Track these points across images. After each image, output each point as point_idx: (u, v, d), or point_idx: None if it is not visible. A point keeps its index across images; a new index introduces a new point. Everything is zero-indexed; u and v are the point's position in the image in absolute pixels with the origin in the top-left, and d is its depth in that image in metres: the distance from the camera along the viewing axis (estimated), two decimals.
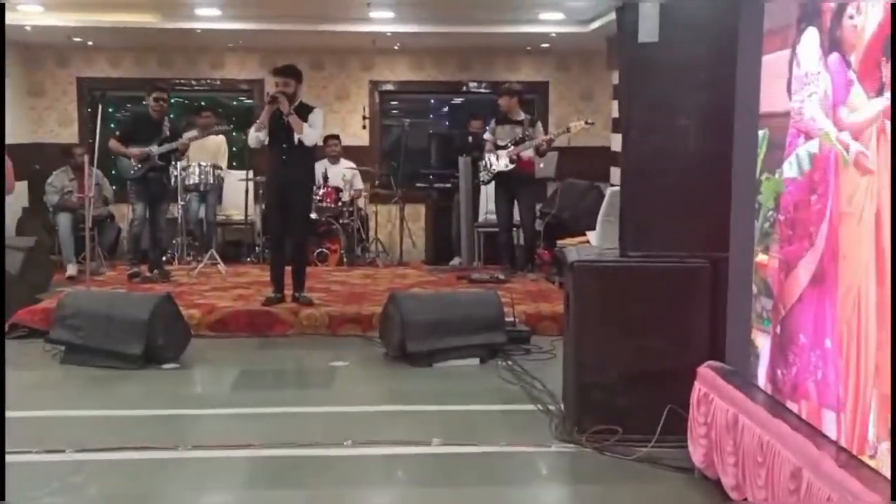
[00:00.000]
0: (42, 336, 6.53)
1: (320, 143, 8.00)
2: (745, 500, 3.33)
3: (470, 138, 9.92)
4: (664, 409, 4.16)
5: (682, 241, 4.38)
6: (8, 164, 3.18)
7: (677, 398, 4.06)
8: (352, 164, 10.52)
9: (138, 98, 10.12)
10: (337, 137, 10.47)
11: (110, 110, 11.21)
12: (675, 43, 4.31)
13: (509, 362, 6.17)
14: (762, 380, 3.51)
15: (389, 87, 11.88)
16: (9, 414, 5.12)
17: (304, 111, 7.35)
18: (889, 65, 2.50)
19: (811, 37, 3.09)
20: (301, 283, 7.47)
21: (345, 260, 9.92)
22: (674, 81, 4.36)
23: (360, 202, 10.55)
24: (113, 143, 8.56)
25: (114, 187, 10.08)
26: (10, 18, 9.24)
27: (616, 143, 10.13)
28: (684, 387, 3.99)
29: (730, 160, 3.92)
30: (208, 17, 9.47)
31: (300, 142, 7.25)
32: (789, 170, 3.26)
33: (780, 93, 3.35)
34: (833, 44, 2.91)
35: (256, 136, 7.33)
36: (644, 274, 4.42)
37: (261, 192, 10.14)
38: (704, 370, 3.91)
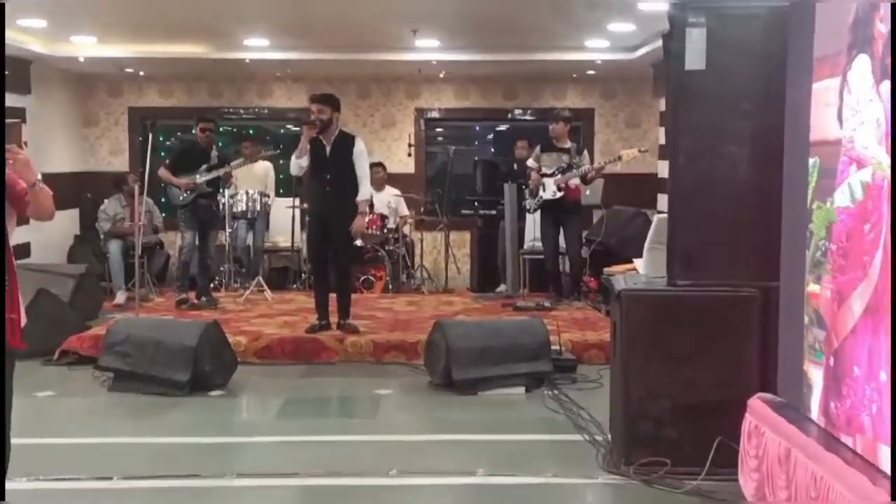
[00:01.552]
0: (91, 363, 6.61)
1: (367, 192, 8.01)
2: None
3: (515, 165, 9.91)
4: (714, 441, 4.08)
5: (731, 270, 4.32)
6: (46, 190, 3.24)
7: (727, 430, 3.99)
8: (396, 191, 10.57)
9: (188, 127, 10.28)
10: (381, 165, 10.52)
11: (161, 139, 11.39)
12: (723, 70, 4.28)
13: (555, 391, 6.11)
14: (815, 412, 3.43)
15: (435, 114, 11.94)
16: (58, 440, 5.21)
17: (344, 140, 7.41)
18: None
19: (862, 64, 3.04)
20: (346, 310, 7.49)
21: (390, 287, 9.94)
22: (721, 108, 4.31)
23: (406, 229, 10.58)
24: (162, 172, 8.69)
25: (163, 215, 10.24)
26: (65, 50, 9.49)
27: (663, 169, 10.06)
28: (734, 419, 3.92)
29: (779, 188, 3.86)
30: (257, 48, 9.60)
31: (343, 170, 7.30)
32: (841, 198, 3.20)
33: (831, 120, 3.29)
34: (885, 71, 2.86)
35: (298, 163, 7.37)
36: (693, 303, 4.36)
37: (307, 219, 10.23)
38: (755, 402, 3.83)
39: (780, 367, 3.89)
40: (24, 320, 3.25)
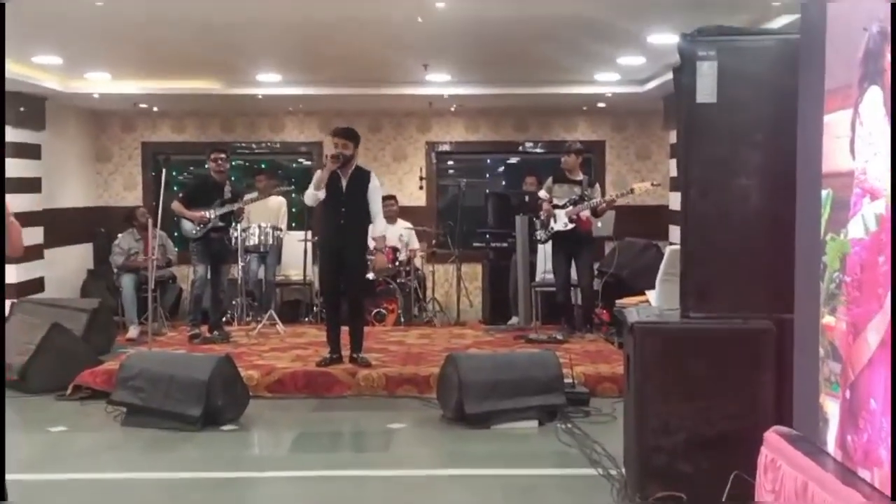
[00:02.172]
0: (104, 397, 6.61)
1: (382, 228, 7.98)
2: None
3: (527, 197, 9.92)
4: (730, 475, 4.04)
5: (745, 302, 4.29)
6: (16, 225, 3.24)
7: (743, 464, 3.94)
8: (408, 224, 10.59)
9: (201, 162, 10.35)
10: (393, 198, 10.55)
11: (173, 174, 11.46)
12: (734, 102, 4.28)
13: (568, 425, 6.08)
14: (832, 446, 3.40)
15: (446, 147, 11.99)
16: (71, 476, 5.20)
17: (360, 175, 7.48)
18: None
19: (874, 96, 3.04)
20: (359, 344, 7.49)
21: (402, 320, 9.93)
22: (733, 141, 4.31)
23: (417, 262, 10.59)
24: (175, 205, 8.72)
25: (176, 249, 10.29)
26: (79, 87, 9.59)
27: (674, 201, 10.06)
28: (750, 452, 3.88)
29: (792, 220, 3.85)
30: (269, 83, 9.68)
31: (357, 205, 7.38)
32: (855, 230, 3.19)
33: (843, 152, 3.29)
34: None
35: (315, 194, 7.39)
36: (706, 335, 4.33)
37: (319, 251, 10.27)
38: (771, 435, 3.80)
39: (795, 400, 3.85)
40: None
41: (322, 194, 7.36)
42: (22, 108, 9.49)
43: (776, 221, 4.06)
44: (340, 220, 7.39)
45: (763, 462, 3.80)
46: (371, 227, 7.57)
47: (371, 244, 7.81)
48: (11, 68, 8.34)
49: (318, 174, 7.52)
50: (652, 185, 8.76)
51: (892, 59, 2.46)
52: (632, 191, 8.74)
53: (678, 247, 5.43)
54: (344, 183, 7.40)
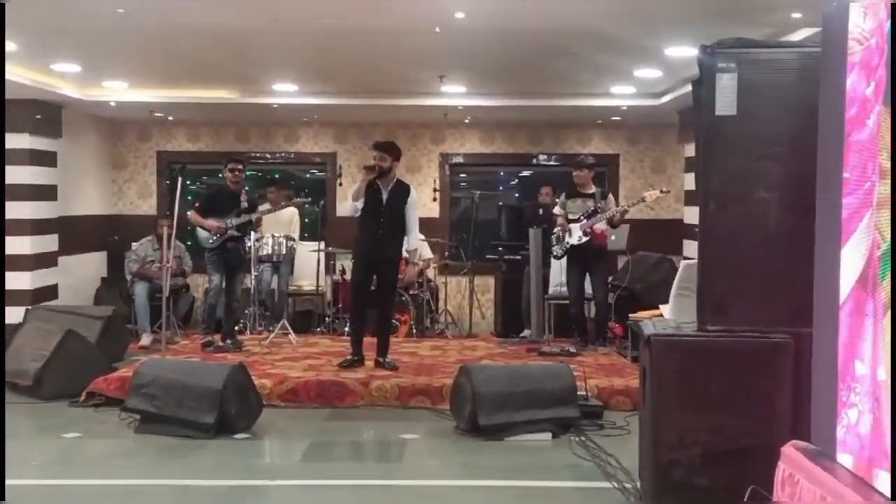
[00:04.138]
0: (117, 404, 6.62)
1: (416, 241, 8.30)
2: None
3: (540, 210, 9.91)
4: (746, 488, 4.01)
5: (763, 316, 4.27)
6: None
7: (760, 478, 3.91)
8: (420, 236, 10.58)
9: (215, 171, 10.39)
10: None
11: (187, 183, 11.51)
12: (753, 115, 4.27)
13: (582, 438, 6.06)
14: (850, 461, 3.37)
15: (459, 159, 12.00)
16: (85, 482, 5.20)
17: (400, 188, 7.79)
18: None
19: None
20: (385, 349, 7.79)
21: (414, 331, 9.92)
22: (752, 153, 4.30)
23: (430, 273, 10.59)
24: (191, 214, 8.74)
25: (191, 261, 10.33)
26: (96, 95, 9.63)
27: (688, 215, 10.04)
28: (767, 466, 3.85)
29: (811, 233, 3.83)
30: (285, 93, 9.71)
31: (396, 217, 7.65)
32: None
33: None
34: None
35: (354, 205, 7.65)
36: (724, 349, 4.32)
37: (332, 262, 10.30)
38: (789, 449, 3.77)
39: (813, 415, 3.83)
40: None
41: (361, 205, 7.61)
42: (39, 116, 9.55)
43: (795, 234, 4.04)
44: (379, 231, 7.66)
45: (780, 476, 3.77)
46: (406, 239, 7.79)
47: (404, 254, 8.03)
48: (30, 75, 8.40)
49: (355, 186, 7.82)
50: (661, 192, 8.76)
51: (892, 59, 2.44)
52: (643, 199, 8.76)
53: (693, 261, 5.42)
54: (384, 196, 7.68)
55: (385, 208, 7.66)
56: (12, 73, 8.06)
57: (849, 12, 3.30)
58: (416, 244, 7.92)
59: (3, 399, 3.61)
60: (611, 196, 9.08)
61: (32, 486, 5.10)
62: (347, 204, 7.79)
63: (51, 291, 9.93)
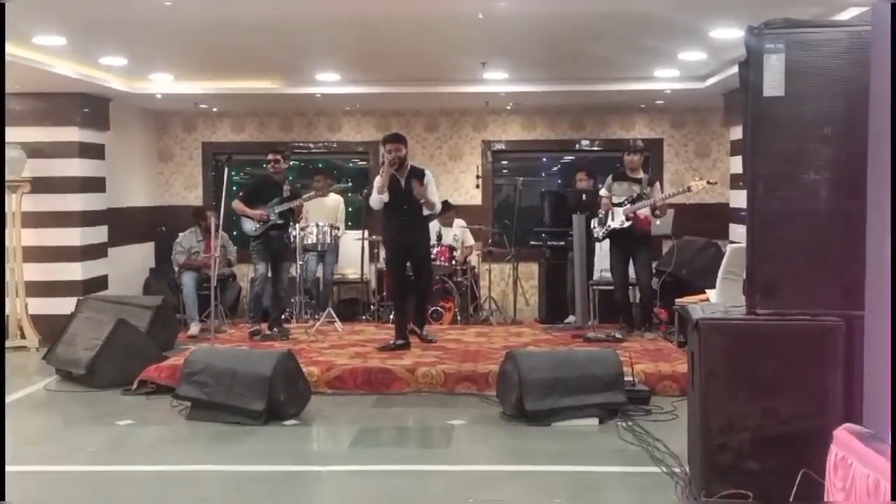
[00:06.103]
0: (168, 392, 6.74)
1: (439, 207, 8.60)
2: None
3: (584, 196, 9.87)
4: (797, 472, 3.98)
5: (813, 299, 4.22)
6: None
7: (811, 462, 3.89)
8: (462, 223, 10.62)
9: (259, 162, 10.48)
10: (450, 208, 10.51)
11: (232, 174, 11.62)
12: (802, 95, 4.21)
13: (629, 423, 6.05)
14: None
15: (501, 146, 11.98)
16: (139, 468, 5.31)
17: (415, 173, 8.12)
18: None
19: None
20: (423, 319, 8.34)
21: (458, 318, 9.95)
22: (801, 135, 4.24)
23: (473, 260, 10.61)
24: (236, 204, 8.85)
25: (235, 248, 10.43)
26: (143, 88, 9.76)
27: (734, 199, 9.94)
28: (819, 450, 3.82)
29: (863, 215, 3.79)
30: (328, 82, 9.75)
31: (419, 204, 7.97)
32: None
33: None
34: None
35: (380, 198, 8.02)
36: (774, 332, 4.28)
37: (375, 251, 10.36)
38: (841, 433, 3.74)
39: (866, 397, 3.79)
40: None
41: (386, 197, 7.99)
42: (87, 109, 9.69)
43: (846, 217, 4.00)
44: (404, 217, 8.07)
45: (833, 460, 3.74)
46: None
47: (433, 240, 8.50)
48: (78, 69, 8.52)
49: (377, 179, 8.09)
50: (708, 182, 8.68)
51: (892, 59, 2.41)
52: (688, 189, 8.65)
53: (741, 245, 5.37)
54: (402, 182, 8.02)
55: (405, 194, 8.02)
56: (61, 67, 8.19)
57: None
58: (433, 200, 8.18)
59: (4, 399, 3.68)
60: (658, 184, 9.00)
61: (89, 471, 5.22)
62: (374, 197, 8.09)
63: (101, 282, 10.10)
